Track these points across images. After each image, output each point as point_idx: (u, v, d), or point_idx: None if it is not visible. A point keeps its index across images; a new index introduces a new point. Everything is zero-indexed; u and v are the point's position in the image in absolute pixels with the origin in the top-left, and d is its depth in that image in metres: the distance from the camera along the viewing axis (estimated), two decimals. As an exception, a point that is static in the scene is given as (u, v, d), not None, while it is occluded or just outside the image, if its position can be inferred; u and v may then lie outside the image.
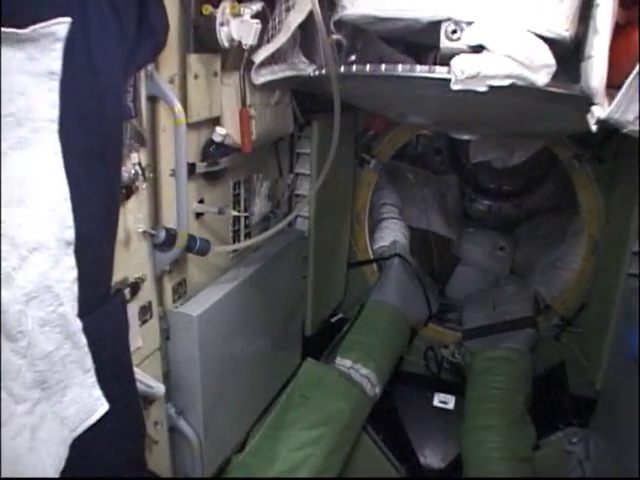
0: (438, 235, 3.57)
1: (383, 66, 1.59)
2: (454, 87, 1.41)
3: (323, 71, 1.80)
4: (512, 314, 2.85)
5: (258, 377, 2.11)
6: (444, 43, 1.47)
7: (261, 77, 1.69)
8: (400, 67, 1.56)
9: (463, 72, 1.38)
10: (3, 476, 0.99)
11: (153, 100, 1.42)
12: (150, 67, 1.35)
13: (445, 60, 1.47)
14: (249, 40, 1.52)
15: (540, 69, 1.36)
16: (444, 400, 2.93)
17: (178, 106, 1.40)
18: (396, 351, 2.80)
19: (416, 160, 3.75)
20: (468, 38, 1.41)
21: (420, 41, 1.85)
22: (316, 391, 2.33)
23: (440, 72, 1.48)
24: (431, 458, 2.80)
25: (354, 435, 2.40)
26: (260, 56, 1.64)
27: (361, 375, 2.48)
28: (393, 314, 2.82)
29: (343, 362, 2.51)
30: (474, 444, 2.40)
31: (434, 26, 1.48)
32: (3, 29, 0.89)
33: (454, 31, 1.44)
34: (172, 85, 1.44)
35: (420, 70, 1.53)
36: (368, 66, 1.61)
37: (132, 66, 1.24)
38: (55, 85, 0.99)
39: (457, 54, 1.42)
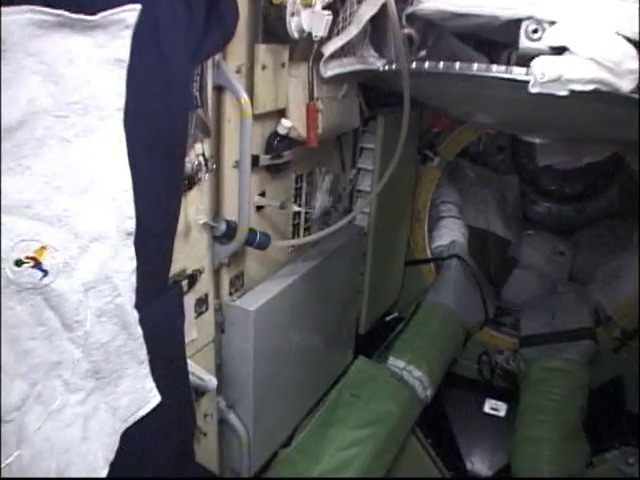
0: (496, 236, 3.46)
1: (457, 64, 1.52)
2: (532, 90, 1.33)
3: (393, 66, 1.74)
4: (571, 324, 2.74)
5: (309, 373, 2.08)
6: (523, 43, 1.39)
7: (330, 70, 1.64)
8: (475, 66, 1.49)
9: (544, 75, 1.30)
10: (55, 466, 0.98)
11: (219, 90, 1.39)
12: (217, 56, 1.32)
13: (522, 60, 1.41)
14: (320, 31, 1.47)
15: (626, 74, 1.28)
16: (495, 407, 2.84)
17: (245, 97, 1.36)
18: (450, 354, 2.73)
19: (477, 158, 3.64)
20: (550, 38, 1.34)
21: (493, 39, 1.79)
22: (366, 390, 2.29)
23: (518, 73, 1.40)
24: (478, 465, 2.73)
25: (402, 438, 2.35)
26: (330, 48, 1.59)
27: (413, 377, 2.42)
28: (449, 316, 2.75)
29: (396, 363, 2.46)
30: (525, 456, 2.32)
31: (513, 24, 1.42)
32: (72, 15, 0.87)
33: (535, 30, 1.36)
34: (239, 75, 1.41)
35: (496, 70, 1.46)
36: (441, 64, 1.55)
37: (200, 55, 1.21)
38: (122, 73, 0.97)
39: (536, 55, 1.35)
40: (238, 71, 1.41)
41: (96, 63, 0.93)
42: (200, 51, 1.19)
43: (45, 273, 0.90)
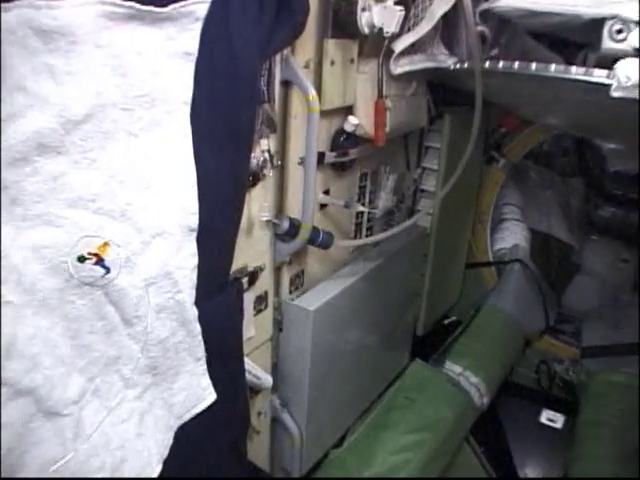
0: (558, 240, 3.33)
1: (533, 65, 1.44)
2: (614, 94, 1.25)
3: (465, 65, 1.68)
4: (635, 336, 2.60)
5: (364, 374, 2.03)
6: (606, 44, 1.30)
7: (400, 67, 1.59)
8: (553, 67, 1.41)
9: (629, 79, 1.21)
10: (110, 461, 0.97)
11: (286, 85, 1.35)
12: (286, 51, 1.29)
13: (602, 62, 1.32)
14: (391, 27, 1.42)
15: None
16: (552, 418, 2.73)
17: (313, 93, 1.32)
18: (508, 362, 2.65)
19: (540, 159, 3.50)
20: (636, 40, 1.25)
21: (569, 38, 1.71)
22: (421, 394, 2.23)
23: (599, 76, 1.31)
24: (532, 476, 2.63)
25: (456, 445, 2.28)
26: (401, 45, 1.54)
27: (470, 383, 2.35)
28: (509, 322, 2.66)
29: (453, 367, 2.39)
30: (582, 472, 2.21)
31: (594, 24, 1.33)
32: (142, 7, 0.85)
33: (620, 31, 1.27)
34: (307, 70, 1.37)
35: (575, 72, 1.37)
36: (516, 64, 1.48)
37: (269, 49, 1.17)
38: (191, 66, 0.94)
39: (619, 57, 1.26)
40: (306, 66, 1.38)
41: (164, 56, 0.91)
42: (269, 45, 1.15)
43: (107, 270, 0.88)
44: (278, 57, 1.27)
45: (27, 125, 0.76)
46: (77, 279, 0.86)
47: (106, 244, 0.87)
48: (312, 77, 1.39)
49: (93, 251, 0.85)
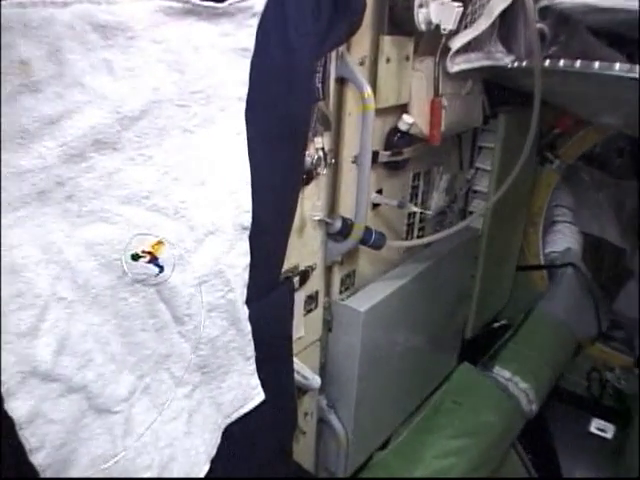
0: (611, 244, 3.22)
1: (597, 64, 1.39)
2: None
3: (524, 63, 1.63)
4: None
5: (412, 376, 1.99)
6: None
7: (456, 65, 1.54)
8: (617, 66, 1.35)
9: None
10: (158, 459, 0.95)
11: (340, 82, 1.32)
12: (341, 47, 1.26)
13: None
14: (449, 24, 1.38)
15: None
16: (602, 427, 2.63)
17: (368, 91, 1.29)
18: (558, 368, 2.56)
19: (592, 160, 3.39)
20: None
21: (629, 35, 1.65)
22: (469, 399, 2.18)
23: (667, 76, 1.25)
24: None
25: (502, 451, 2.22)
26: (458, 42, 1.49)
27: (519, 389, 2.28)
28: (560, 328, 2.58)
29: (501, 372, 2.33)
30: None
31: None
32: (199, 2, 0.83)
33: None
34: (362, 67, 1.34)
35: (642, 72, 1.31)
36: (578, 62, 1.43)
37: (326, 46, 1.14)
38: (246, 63, 0.92)
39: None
40: (361, 63, 1.34)
41: (220, 52, 0.88)
42: (326, 42, 1.13)
43: (161, 269, 0.87)
44: (333, 54, 1.24)
45: (84, 121, 0.74)
46: (129, 277, 0.84)
47: (160, 242, 0.85)
48: (367, 74, 1.36)
49: (147, 249, 0.84)
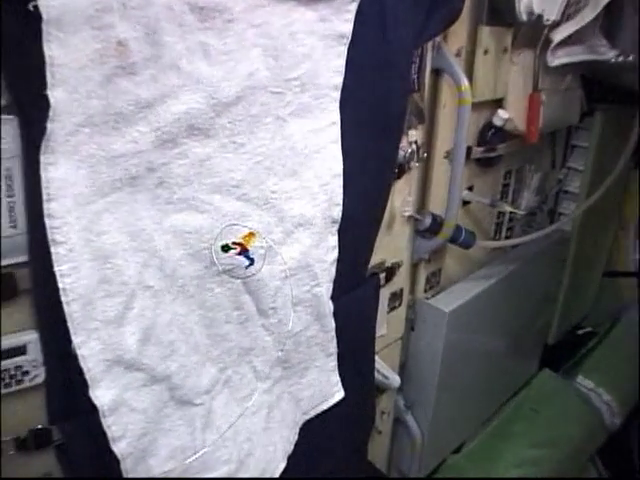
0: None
1: None
2: None
3: (630, 57, 1.51)
4: None
5: (491, 380, 1.90)
6: None
7: (557, 59, 1.44)
8: None
9: None
10: (236, 454, 0.93)
11: (435, 73, 1.25)
12: (438, 37, 1.18)
13: None
14: (552, 15, 1.28)
15: None
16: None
17: (465, 84, 1.20)
18: (645, 381, 2.41)
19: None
20: None
21: None
22: (548, 407, 2.07)
23: None
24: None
25: (580, 465, 2.10)
26: (561, 34, 1.39)
27: (602, 401, 2.15)
28: (650, 339, 2.42)
29: (584, 382, 2.20)
30: None
31: None
32: None
33: None
34: (458, 59, 1.26)
35: None
36: (693, 57, 1.31)
37: (424, 36, 1.07)
38: (343, 50, 0.86)
39: None
40: (458, 54, 1.26)
41: (317, 38, 0.83)
42: (424, 31, 1.06)
43: (251, 261, 0.83)
44: (430, 44, 1.17)
45: (178, 106, 0.70)
46: (217, 267, 0.81)
47: (251, 234, 0.81)
48: (463, 66, 1.28)
49: (238, 240, 0.80)
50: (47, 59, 0.59)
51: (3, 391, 0.75)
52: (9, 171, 0.66)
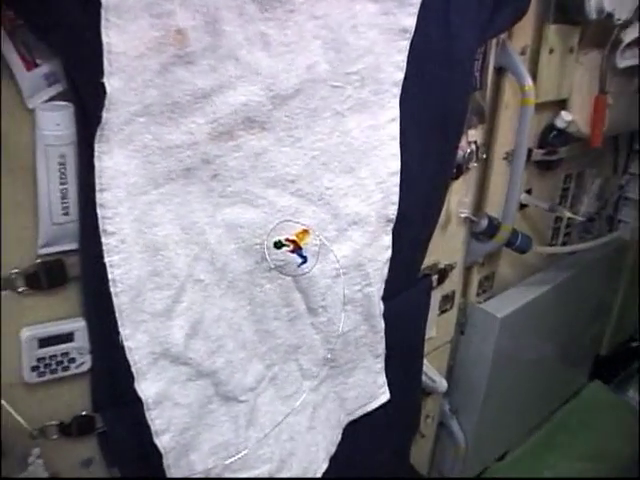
0: None
1: None
2: None
3: None
4: None
5: (539, 389, 1.83)
6: None
7: (625, 60, 1.38)
8: None
9: None
10: (278, 453, 0.90)
11: (498, 72, 1.20)
12: (503, 35, 1.13)
13: None
14: (624, 14, 1.22)
15: None
16: None
17: (529, 83, 1.15)
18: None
19: None
20: None
21: None
22: (597, 420, 1.99)
23: None
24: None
25: (627, 481, 2.02)
26: (632, 35, 1.32)
27: (653, 418, 2.07)
28: None
29: (636, 396, 2.12)
30: None
31: None
32: None
33: None
34: (522, 57, 1.20)
35: None
36: None
37: (488, 33, 1.02)
38: (405, 45, 0.82)
39: None
40: (522, 53, 1.20)
41: (379, 32, 0.79)
42: (488, 28, 1.00)
43: (304, 260, 0.80)
44: (494, 41, 1.12)
45: (236, 97, 0.68)
46: (269, 264, 0.79)
47: (305, 231, 0.78)
48: (528, 65, 1.22)
49: (291, 237, 0.77)
50: (104, 46, 0.57)
51: (49, 377, 0.75)
52: (63, 158, 0.65)
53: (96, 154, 0.62)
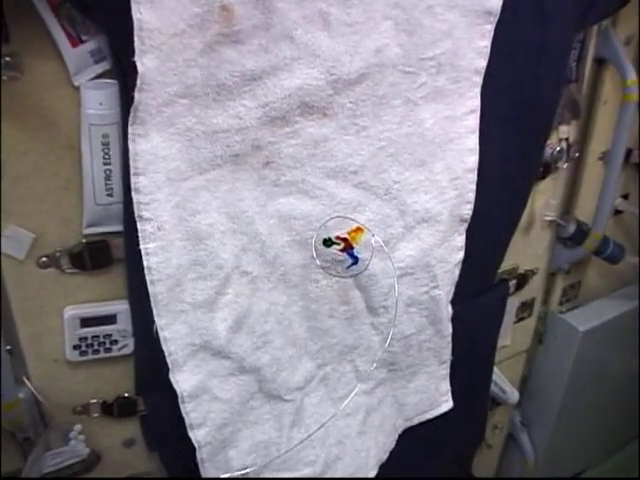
0: None
1: None
2: None
3: None
4: None
5: (620, 409, 1.68)
6: None
7: None
8: None
9: None
10: (323, 456, 0.85)
11: (598, 63, 1.08)
12: (606, 22, 1.01)
13: None
14: None
15: None
16: None
17: (633, 77, 1.03)
18: None
19: None
20: None
21: None
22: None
23: None
24: None
25: None
26: None
27: None
28: None
29: None
30: None
31: None
32: None
33: None
34: (627, 48, 1.07)
35: None
36: None
37: (588, 19, 0.90)
38: (489, 29, 0.73)
39: None
40: (627, 43, 1.08)
41: (460, 14, 0.70)
42: (588, 14, 0.88)
43: (355, 261, 0.72)
44: (595, 29, 1.01)
45: (291, 80, 0.61)
46: (318, 263, 0.72)
47: (359, 229, 0.70)
48: (633, 57, 1.10)
49: (343, 235, 0.70)
50: (135, 23, 0.52)
51: (91, 357, 0.73)
52: (107, 138, 0.61)
53: (130, 137, 0.57)
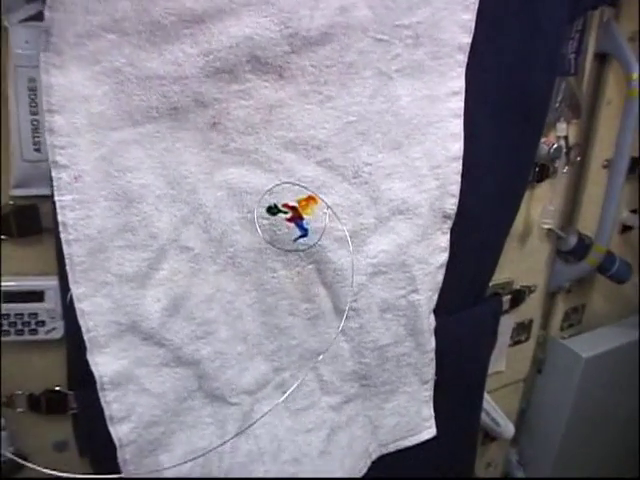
0: None
1: None
2: None
3: None
4: None
5: (627, 447, 1.61)
6: None
7: None
8: None
9: None
10: (274, 473, 0.78)
11: (601, 59, 1.06)
12: (608, 14, 1.00)
13: None
14: None
15: None
16: None
17: (637, 71, 1.00)
18: None
19: None
20: None
21: None
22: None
23: None
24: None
25: None
26: None
27: None
28: None
29: None
30: None
31: None
32: None
33: None
34: (632, 44, 1.05)
35: None
36: None
37: (582, 4, 0.89)
38: (473, 2, 0.70)
39: None
40: (631, 38, 1.06)
41: None
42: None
43: (305, 233, 0.67)
44: (597, 21, 0.99)
45: (239, 27, 0.57)
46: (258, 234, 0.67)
47: (312, 199, 0.65)
48: (638, 54, 1.06)
49: (292, 204, 0.65)
50: None
51: (13, 338, 0.68)
52: (34, 82, 0.58)
53: (42, 66, 0.53)
